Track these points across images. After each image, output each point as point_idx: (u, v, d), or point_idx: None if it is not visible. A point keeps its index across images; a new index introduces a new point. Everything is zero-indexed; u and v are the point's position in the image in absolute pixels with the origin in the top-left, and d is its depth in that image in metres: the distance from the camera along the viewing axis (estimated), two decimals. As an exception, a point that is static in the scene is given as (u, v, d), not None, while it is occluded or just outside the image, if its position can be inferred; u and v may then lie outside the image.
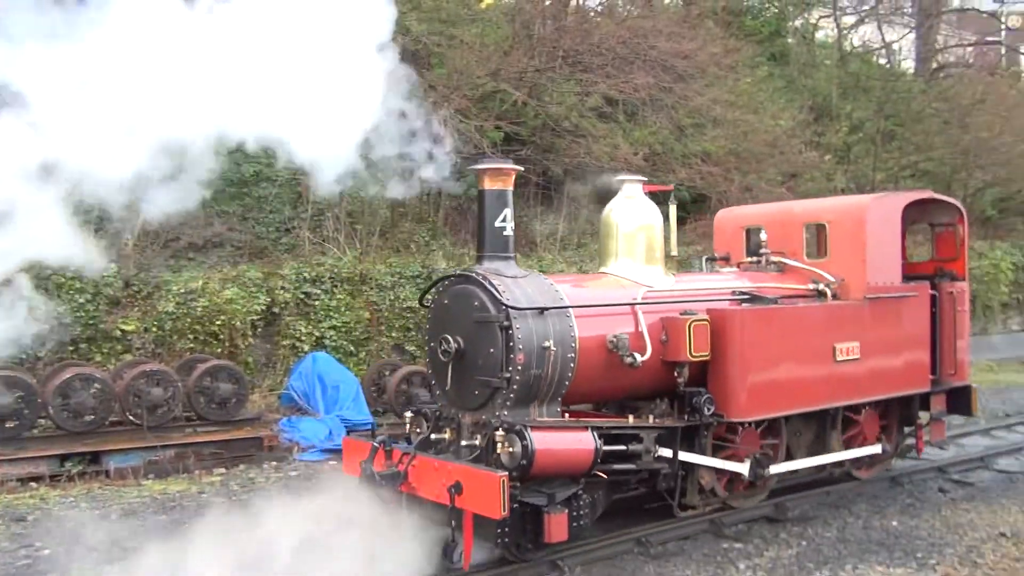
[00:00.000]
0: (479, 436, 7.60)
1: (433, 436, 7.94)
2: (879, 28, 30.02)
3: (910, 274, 10.45)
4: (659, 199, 9.53)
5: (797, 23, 28.61)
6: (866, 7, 30.05)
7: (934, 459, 11.54)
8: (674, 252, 9.63)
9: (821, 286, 9.65)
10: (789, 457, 9.43)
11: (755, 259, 10.34)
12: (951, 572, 7.84)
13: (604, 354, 7.96)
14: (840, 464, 9.99)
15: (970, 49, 33.93)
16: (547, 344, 7.52)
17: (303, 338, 14.60)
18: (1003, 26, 36.37)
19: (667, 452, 8.13)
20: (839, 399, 9.41)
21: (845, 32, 28.73)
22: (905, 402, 10.30)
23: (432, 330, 8.12)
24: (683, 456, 8.27)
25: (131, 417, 11.94)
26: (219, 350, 13.80)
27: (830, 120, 25.78)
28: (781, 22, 27.59)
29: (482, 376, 7.54)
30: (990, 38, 35.75)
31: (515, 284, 7.71)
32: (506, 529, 7.05)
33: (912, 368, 10.00)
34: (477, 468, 7.10)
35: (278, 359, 14.69)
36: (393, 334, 15.50)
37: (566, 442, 7.37)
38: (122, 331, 13.47)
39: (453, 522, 7.00)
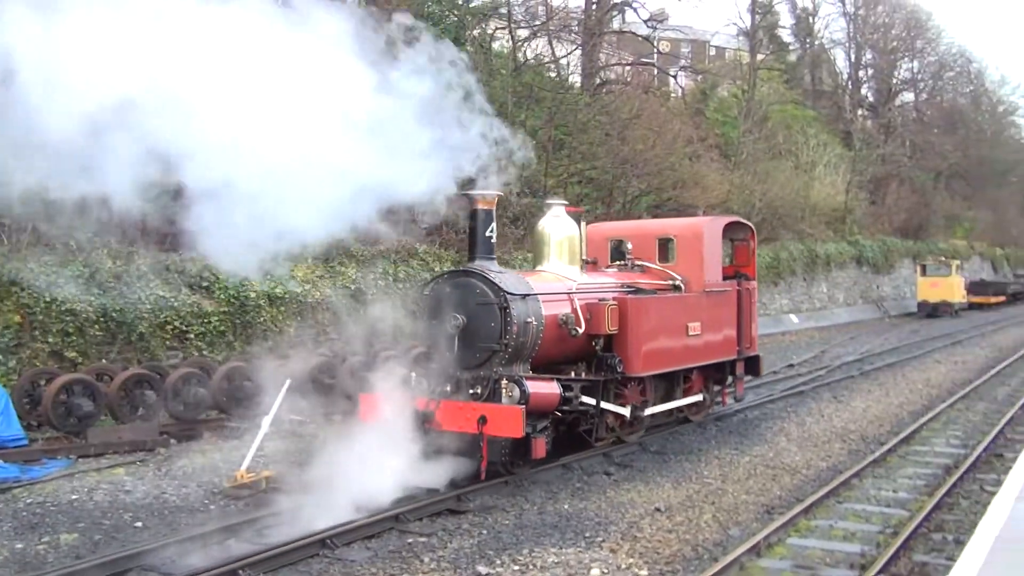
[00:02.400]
0: (479, 387, 10.52)
1: (438, 389, 10.57)
2: (550, 43, 31.85)
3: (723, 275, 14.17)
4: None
5: (475, 32, 29.59)
6: (538, 22, 31.74)
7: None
8: (584, 256, 12.74)
9: (676, 282, 13.27)
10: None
11: (622, 263, 13.67)
12: (615, 547, 8.46)
13: (557, 328, 11.10)
14: (681, 410, 13.68)
15: (628, 68, 37.00)
16: (530, 320, 10.65)
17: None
18: (655, 49, 40.11)
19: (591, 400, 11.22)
20: (689, 362, 13.12)
21: (519, 44, 30.15)
22: (720, 366, 14.16)
23: (434, 312, 10.79)
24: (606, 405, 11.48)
25: None
26: None
27: (506, 127, 26.89)
28: (460, 30, 28.42)
29: (484, 343, 10.49)
30: (645, 59, 39.26)
31: (504, 277, 10.71)
32: (506, 450, 10.22)
33: (727, 342, 13.96)
34: (498, 405, 10.06)
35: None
36: (50, 339, 14.08)
37: (544, 388, 10.44)
38: None
39: (481, 444, 9.84)
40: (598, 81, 33.39)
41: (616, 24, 37.56)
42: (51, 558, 8.20)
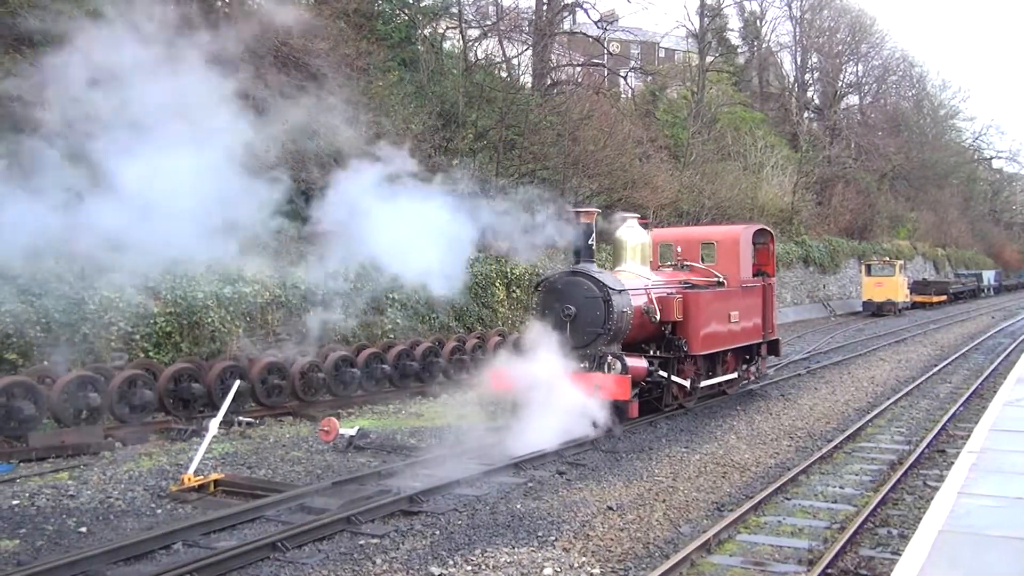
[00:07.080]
0: (587, 362, 13.36)
1: None
2: (500, 43, 31.85)
3: None
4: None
5: (426, 31, 29.48)
6: (489, 22, 31.71)
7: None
8: (651, 259, 15.78)
9: (719, 279, 16.32)
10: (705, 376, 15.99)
11: (671, 264, 16.86)
12: (567, 546, 8.47)
13: (640, 316, 14.25)
14: (720, 385, 16.64)
15: (579, 69, 37.13)
16: (625, 309, 13.67)
17: None
18: (606, 51, 40.33)
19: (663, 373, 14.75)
20: (732, 343, 16.31)
21: (470, 44, 30.10)
22: (748, 348, 17.31)
23: (548, 303, 13.80)
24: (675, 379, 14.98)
25: None
26: None
27: (457, 127, 26.86)
28: (411, 29, 28.28)
29: (590, 328, 13.47)
30: (595, 60, 39.45)
31: (605, 276, 13.77)
32: (613, 410, 13.06)
33: (756, 328, 17.15)
34: (609, 374, 13.03)
35: None
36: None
37: (636, 362, 13.68)
38: None
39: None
40: (549, 81, 33.44)
41: (567, 25, 37.68)
42: (-9, 565, 7.99)
